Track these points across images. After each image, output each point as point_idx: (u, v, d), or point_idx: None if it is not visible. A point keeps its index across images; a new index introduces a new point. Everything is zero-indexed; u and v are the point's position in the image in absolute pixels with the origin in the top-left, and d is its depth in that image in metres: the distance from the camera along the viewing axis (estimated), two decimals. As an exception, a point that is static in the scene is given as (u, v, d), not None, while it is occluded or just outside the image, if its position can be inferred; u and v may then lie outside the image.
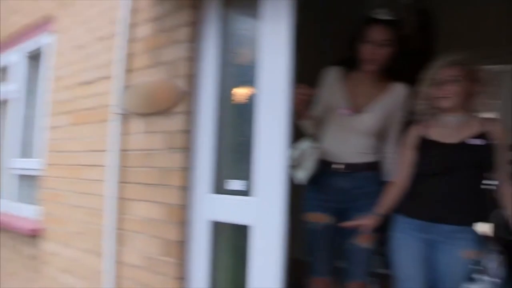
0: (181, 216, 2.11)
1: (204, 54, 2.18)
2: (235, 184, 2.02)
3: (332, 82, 2.23)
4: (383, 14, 2.12)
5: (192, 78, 2.18)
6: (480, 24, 3.39)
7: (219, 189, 2.08)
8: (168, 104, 2.22)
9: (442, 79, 1.94)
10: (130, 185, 2.39)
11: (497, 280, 1.83)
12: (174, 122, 2.19)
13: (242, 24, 2.13)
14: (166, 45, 2.29)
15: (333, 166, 2.17)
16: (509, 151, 1.90)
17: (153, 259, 2.20)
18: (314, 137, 2.24)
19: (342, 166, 2.16)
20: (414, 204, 1.95)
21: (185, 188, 2.12)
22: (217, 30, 2.16)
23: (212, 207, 2.07)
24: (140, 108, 2.39)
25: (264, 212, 1.86)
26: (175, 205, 2.13)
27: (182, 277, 2.08)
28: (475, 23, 3.40)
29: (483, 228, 1.91)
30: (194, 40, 2.18)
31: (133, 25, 2.51)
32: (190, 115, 2.16)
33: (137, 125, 2.40)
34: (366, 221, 2.03)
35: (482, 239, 1.89)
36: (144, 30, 2.44)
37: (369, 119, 2.15)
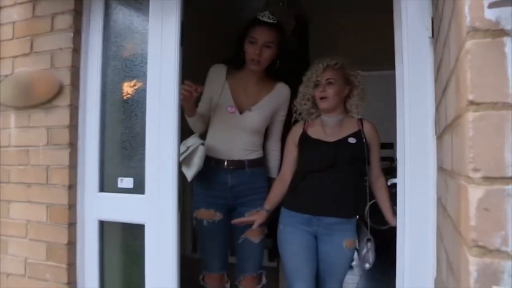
0: (68, 217, 2.00)
1: (88, 45, 2.07)
2: (125, 182, 1.97)
3: (217, 80, 2.26)
4: (267, 17, 2.19)
5: (75, 70, 2.05)
6: (351, 32, 3.70)
7: (108, 187, 2.02)
8: (46, 96, 2.06)
9: (319, 81, 2.08)
10: (7, 185, 2.18)
11: (368, 266, 2.06)
12: (57, 117, 2.05)
13: (129, 16, 2.04)
14: (44, 32, 2.11)
15: (220, 163, 2.21)
16: (380, 148, 2.12)
17: (37, 265, 2.05)
18: (201, 134, 2.26)
19: (228, 163, 2.21)
20: (298, 198, 2.07)
21: (71, 187, 2.01)
22: (103, 21, 2.06)
23: (101, 206, 2.00)
24: (16, 101, 2.17)
25: (156, 210, 1.86)
26: (60, 205, 2.01)
27: (71, 281, 1.98)
28: (347, 31, 3.71)
29: (360, 218, 2.11)
30: (77, 29, 2.05)
31: (1, 7, 2.26)
32: (74, 109, 2.05)
33: (12, 119, 2.18)
34: (254, 217, 2.11)
35: (359, 229, 2.09)
36: (16, 14, 2.21)
37: (254, 117, 2.22)
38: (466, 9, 0.72)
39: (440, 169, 1.37)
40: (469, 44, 0.71)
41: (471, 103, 0.72)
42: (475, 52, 0.71)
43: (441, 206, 1.30)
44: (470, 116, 0.72)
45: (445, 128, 1.15)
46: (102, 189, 2.02)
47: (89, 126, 2.04)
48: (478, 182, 0.71)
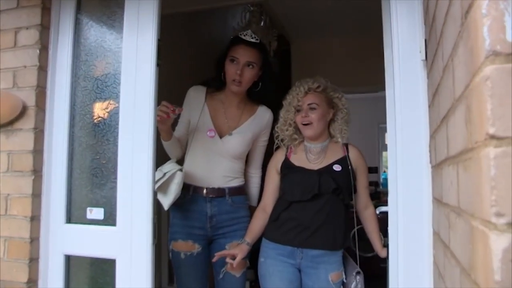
0: (29, 251, 1.83)
1: (56, 63, 1.96)
2: (95, 213, 1.84)
3: (196, 102, 2.18)
4: (249, 36, 2.13)
5: (41, 90, 1.92)
6: (336, 54, 3.68)
7: (76, 218, 1.88)
8: (7, 118, 1.91)
9: (301, 106, 2.01)
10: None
11: None
12: (19, 141, 1.90)
13: (101, 34, 1.94)
14: (6, 48, 1.97)
15: (198, 191, 2.11)
16: (368, 174, 2.05)
17: (-11, 309, 1.87)
18: (178, 160, 2.17)
19: (208, 191, 2.11)
20: (280, 229, 1.97)
21: (34, 218, 1.86)
22: (73, 37, 1.95)
23: (68, 240, 1.85)
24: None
25: (128, 243, 1.74)
26: (21, 238, 1.84)
27: (31, 325, 1.81)
28: (331, 53, 3.68)
29: (347, 249, 2.02)
30: (44, 46, 1.94)
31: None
32: (39, 132, 1.91)
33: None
34: (235, 251, 1.99)
35: (346, 261, 2.00)
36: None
37: (234, 142, 2.14)
38: (485, 31, 0.64)
39: (438, 201, 1.29)
40: (489, 70, 0.64)
41: (492, 137, 0.63)
42: (497, 79, 0.63)
43: (441, 241, 1.22)
44: (491, 152, 0.63)
45: (446, 160, 1.07)
46: (69, 220, 1.87)
47: (56, 151, 1.90)
48: (502, 229, 0.62)
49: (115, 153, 1.80)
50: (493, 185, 0.63)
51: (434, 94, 1.30)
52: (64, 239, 1.86)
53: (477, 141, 0.70)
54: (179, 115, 2.12)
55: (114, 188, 1.79)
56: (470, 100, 0.75)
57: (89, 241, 1.82)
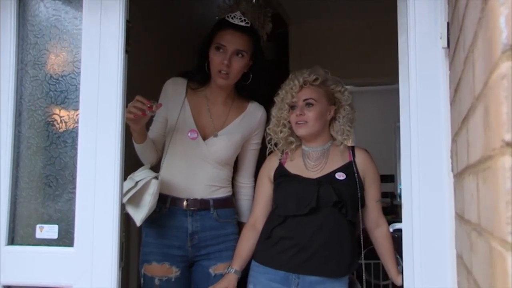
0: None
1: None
2: (47, 231, 1.86)
3: (175, 97, 2.23)
4: (238, 19, 2.18)
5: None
6: (343, 38, 3.71)
7: (22, 238, 1.89)
8: None
9: (296, 102, 2.06)
10: None
11: None
12: None
13: (55, 11, 1.96)
14: None
15: (177, 203, 2.16)
16: (380, 183, 2.09)
17: None
18: (153, 167, 2.21)
19: (189, 203, 2.16)
20: (272, 250, 2.02)
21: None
22: (17, 14, 1.95)
23: (10, 265, 1.85)
24: None
25: (89, 268, 1.76)
26: None
27: None
28: (337, 36, 3.71)
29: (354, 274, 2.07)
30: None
31: None
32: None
33: None
34: (222, 285, 2.04)
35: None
36: None
37: (220, 144, 2.19)
38: (502, 21, 0.69)
39: (460, 217, 1.34)
40: (506, 67, 0.68)
41: (508, 144, 0.68)
42: (514, 78, 0.68)
43: (464, 266, 1.27)
44: (507, 161, 0.68)
45: (467, 168, 1.12)
46: (11, 241, 1.88)
47: (-2, 159, 1.93)
48: (519, 250, 0.67)
49: (73, 158, 1.83)
50: (508, 200, 0.67)
51: (456, 89, 1.35)
52: (5, 265, 1.85)
53: (494, 148, 0.75)
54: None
55: (71, 200, 1.82)
56: (488, 101, 0.80)
57: (38, 267, 1.83)
